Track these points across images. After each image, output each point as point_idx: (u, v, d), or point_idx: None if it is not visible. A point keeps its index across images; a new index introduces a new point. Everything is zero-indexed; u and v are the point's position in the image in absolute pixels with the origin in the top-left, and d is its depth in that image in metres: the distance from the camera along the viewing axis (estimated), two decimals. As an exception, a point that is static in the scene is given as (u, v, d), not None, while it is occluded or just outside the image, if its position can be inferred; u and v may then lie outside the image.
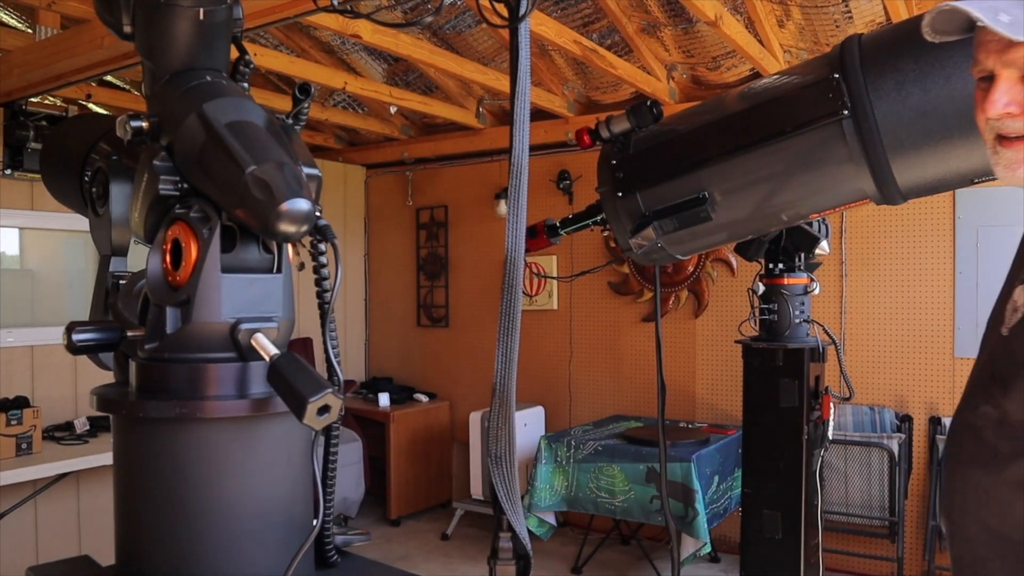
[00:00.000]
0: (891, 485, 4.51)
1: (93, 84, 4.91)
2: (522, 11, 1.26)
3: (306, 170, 0.92)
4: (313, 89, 1.06)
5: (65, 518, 4.84)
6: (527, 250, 2.66)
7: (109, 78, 5.25)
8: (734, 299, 5.15)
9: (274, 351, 0.90)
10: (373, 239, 6.98)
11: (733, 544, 5.02)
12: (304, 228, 0.86)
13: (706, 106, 2.41)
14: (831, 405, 2.69)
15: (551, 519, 4.70)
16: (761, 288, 2.72)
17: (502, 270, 1.44)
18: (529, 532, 4.69)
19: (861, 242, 4.76)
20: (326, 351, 0.99)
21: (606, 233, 5.25)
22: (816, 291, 2.74)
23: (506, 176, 5.99)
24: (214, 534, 0.93)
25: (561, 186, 5.77)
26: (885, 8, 3.84)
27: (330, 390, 0.83)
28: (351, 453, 5.54)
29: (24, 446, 4.14)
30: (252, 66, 1.07)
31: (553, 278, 5.77)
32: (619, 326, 5.62)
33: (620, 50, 4.68)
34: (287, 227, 0.84)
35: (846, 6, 3.90)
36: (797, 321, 2.68)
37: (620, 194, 2.29)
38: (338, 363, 0.97)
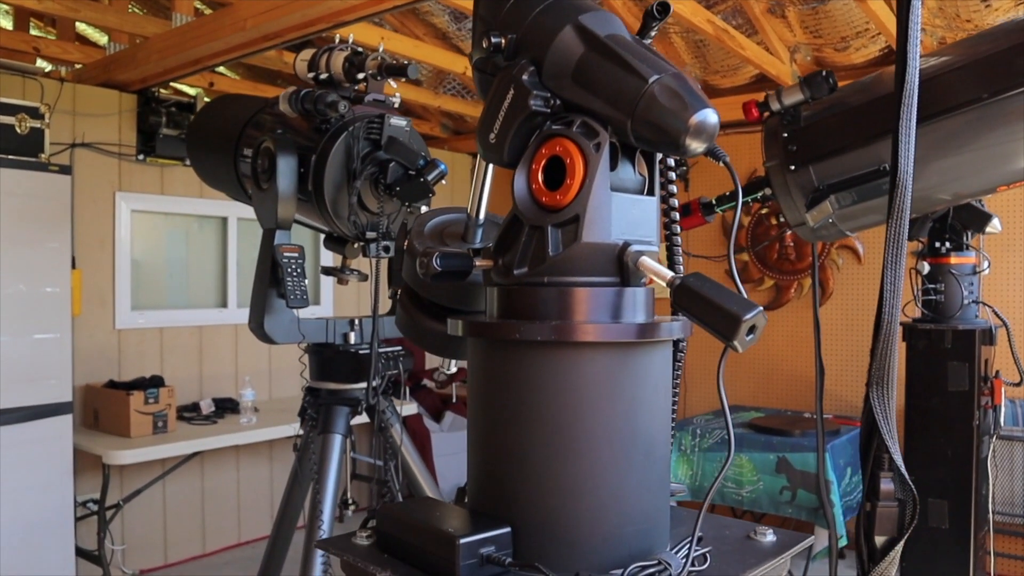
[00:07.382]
0: (1034, 482, 4.31)
1: (215, 72, 5.03)
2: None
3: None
4: (671, 7, 1.01)
5: (190, 496, 4.98)
6: (680, 228, 2.62)
7: (222, 69, 5.37)
8: (860, 287, 4.98)
9: (670, 274, 0.86)
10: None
11: (858, 539, 4.87)
12: (706, 145, 0.82)
13: (877, 79, 2.32)
14: (1002, 390, 2.57)
15: (672, 508, 4.62)
16: (926, 268, 2.61)
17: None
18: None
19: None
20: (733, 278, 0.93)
21: (765, 210, 5.11)
22: (986, 271, 2.62)
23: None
24: (599, 467, 0.86)
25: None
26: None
27: (760, 309, 0.79)
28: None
29: (160, 424, 4.24)
30: None
31: (706, 258, 5.50)
32: (735, 315, 5.49)
33: (744, 31, 4.58)
34: (693, 141, 0.80)
35: (995, -21, 3.73)
36: (966, 302, 2.57)
37: (792, 167, 2.22)
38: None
